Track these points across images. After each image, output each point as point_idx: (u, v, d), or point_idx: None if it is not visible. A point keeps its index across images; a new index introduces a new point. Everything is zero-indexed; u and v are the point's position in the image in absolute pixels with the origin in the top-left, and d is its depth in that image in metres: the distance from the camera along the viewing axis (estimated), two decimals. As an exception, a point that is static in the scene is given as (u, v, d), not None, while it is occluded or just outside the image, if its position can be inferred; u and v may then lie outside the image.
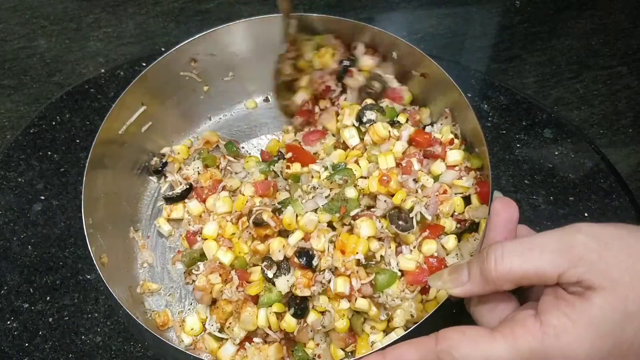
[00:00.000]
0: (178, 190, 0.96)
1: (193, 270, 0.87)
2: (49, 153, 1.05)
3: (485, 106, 1.08)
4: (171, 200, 0.95)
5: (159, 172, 0.99)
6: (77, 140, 1.06)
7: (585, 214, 0.96)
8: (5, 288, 0.91)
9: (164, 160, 0.99)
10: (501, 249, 0.55)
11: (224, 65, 1.02)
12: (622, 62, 1.20)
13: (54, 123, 1.08)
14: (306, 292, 0.76)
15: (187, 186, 0.95)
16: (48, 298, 0.90)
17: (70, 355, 0.85)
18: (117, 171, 0.92)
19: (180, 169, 0.99)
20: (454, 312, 0.68)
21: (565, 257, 0.52)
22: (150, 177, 1.00)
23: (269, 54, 1.00)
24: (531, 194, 0.99)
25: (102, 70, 1.17)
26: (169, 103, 1.00)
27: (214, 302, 0.84)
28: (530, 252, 0.54)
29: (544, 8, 1.30)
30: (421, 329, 0.69)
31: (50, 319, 0.88)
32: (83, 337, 0.86)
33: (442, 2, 1.32)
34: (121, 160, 0.94)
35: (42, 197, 1.00)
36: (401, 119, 0.92)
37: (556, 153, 1.03)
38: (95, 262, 0.77)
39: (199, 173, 0.97)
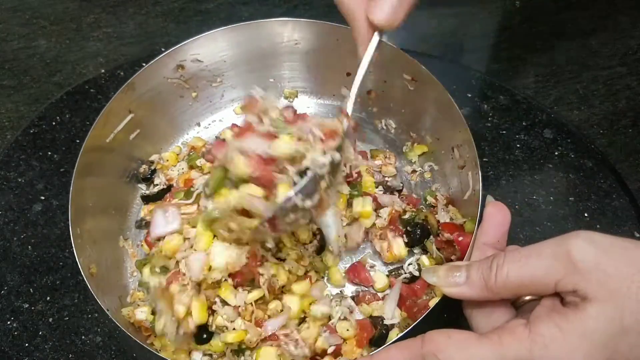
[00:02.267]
0: (155, 189, 0.95)
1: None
2: (49, 153, 1.05)
3: (485, 106, 1.08)
4: (148, 199, 0.95)
5: (148, 180, 0.98)
6: (77, 140, 1.06)
7: (585, 214, 0.96)
8: (5, 288, 0.91)
9: (152, 168, 0.98)
10: (503, 258, 0.55)
11: (212, 71, 1.01)
12: (622, 62, 1.20)
13: (54, 123, 1.08)
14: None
15: (165, 186, 0.95)
16: (48, 298, 0.90)
17: (70, 355, 0.85)
18: (105, 179, 0.91)
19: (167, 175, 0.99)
20: (444, 317, 0.68)
21: (561, 264, 0.51)
22: (139, 185, 0.99)
23: (256, 60, 1.01)
24: (531, 194, 0.98)
25: (102, 70, 1.17)
26: (157, 110, 0.99)
27: None
28: (526, 260, 0.54)
29: (544, 8, 1.30)
30: (411, 335, 0.69)
31: (50, 319, 0.88)
32: (83, 337, 0.86)
33: (442, 2, 1.32)
34: (109, 169, 0.93)
35: (42, 197, 1.00)
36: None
37: (556, 153, 1.03)
38: (83, 273, 0.75)
39: (183, 174, 0.96)
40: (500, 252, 0.57)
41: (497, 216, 0.65)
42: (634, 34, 1.24)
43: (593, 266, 0.50)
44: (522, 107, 1.08)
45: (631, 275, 0.49)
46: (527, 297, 0.58)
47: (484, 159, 1.01)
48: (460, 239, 0.80)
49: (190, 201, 0.89)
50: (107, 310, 0.73)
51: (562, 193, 0.98)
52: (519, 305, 0.59)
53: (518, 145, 1.04)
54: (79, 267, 0.76)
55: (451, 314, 0.64)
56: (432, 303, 0.76)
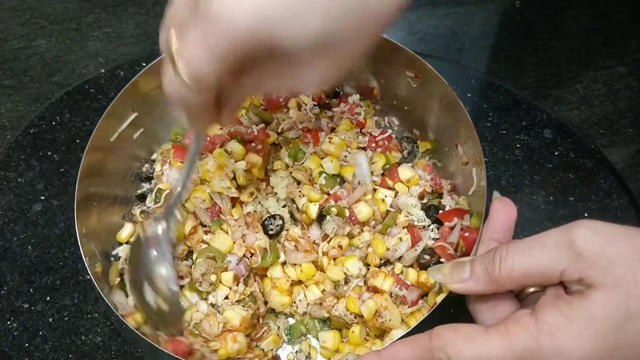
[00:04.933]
0: (144, 188, 0.95)
1: None
2: (49, 153, 1.05)
3: (485, 106, 1.09)
4: (142, 198, 0.95)
5: (150, 179, 0.97)
6: (77, 140, 1.06)
7: (585, 214, 0.96)
8: (5, 288, 0.91)
9: (154, 167, 0.97)
10: (506, 249, 0.55)
11: None
12: (622, 62, 1.20)
13: (54, 123, 1.08)
14: None
15: (154, 185, 0.94)
16: (48, 298, 0.90)
17: (70, 355, 0.85)
18: (109, 179, 0.91)
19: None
20: (451, 313, 0.68)
21: (565, 253, 0.52)
22: (143, 184, 0.98)
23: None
24: (531, 194, 0.99)
25: (102, 70, 1.17)
26: (161, 109, 0.98)
27: None
28: (530, 250, 0.54)
29: (544, 8, 1.30)
30: (418, 330, 0.69)
31: (50, 319, 0.88)
32: (83, 337, 0.86)
33: (442, 2, 1.32)
34: (114, 168, 0.92)
35: (42, 197, 1.00)
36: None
37: (556, 153, 1.03)
38: (89, 271, 0.76)
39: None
40: (503, 244, 0.57)
41: (504, 211, 0.65)
42: (634, 34, 1.24)
43: (598, 254, 0.50)
44: (522, 107, 1.08)
45: (636, 262, 0.49)
46: (531, 289, 0.58)
47: (484, 159, 1.01)
48: (467, 235, 0.80)
49: (159, 205, 0.89)
50: (115, 307, 0.73)
51: (562, 193, 0.98)
52: (522, 297, 0.59)
53: (518, 145, 1.04)
54: (85, 266, 0.76)
55: (457, 309, 0.64)
56: (439, 299, 0.76)
